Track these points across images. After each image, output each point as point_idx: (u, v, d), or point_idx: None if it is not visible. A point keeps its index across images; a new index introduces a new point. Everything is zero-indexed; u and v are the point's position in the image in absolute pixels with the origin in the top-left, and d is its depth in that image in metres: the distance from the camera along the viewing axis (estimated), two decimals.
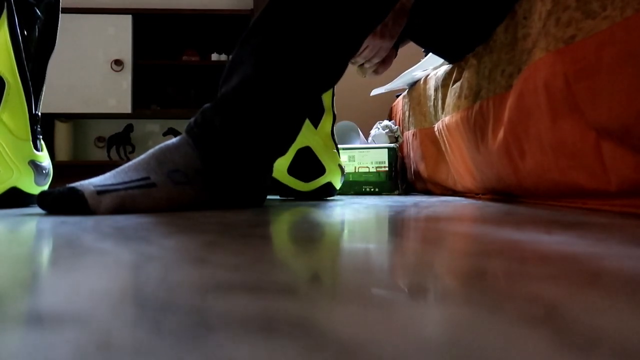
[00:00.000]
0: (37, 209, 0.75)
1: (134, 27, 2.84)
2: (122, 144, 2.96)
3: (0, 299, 0.20)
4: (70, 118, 2.89)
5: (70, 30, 2.72)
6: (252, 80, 0.76)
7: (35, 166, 0.85)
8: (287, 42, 0.76)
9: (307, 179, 1.12)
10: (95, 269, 0.26)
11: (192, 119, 0.78)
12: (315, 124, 1.13)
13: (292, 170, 1.11)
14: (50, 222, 0.53)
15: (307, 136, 1.11)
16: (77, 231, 0.44)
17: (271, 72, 0.76)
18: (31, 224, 0.51)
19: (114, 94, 2.79)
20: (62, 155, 2.85)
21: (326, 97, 1.16)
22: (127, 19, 2.83)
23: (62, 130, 2.87)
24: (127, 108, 2.79)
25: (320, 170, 1.13)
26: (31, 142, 0.85)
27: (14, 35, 0.82)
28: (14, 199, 0.82)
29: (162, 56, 3.01)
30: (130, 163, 0.71)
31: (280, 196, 1.15)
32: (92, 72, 2.78)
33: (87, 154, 3.02)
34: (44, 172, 0.87)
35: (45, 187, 0.88)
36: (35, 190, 0.85)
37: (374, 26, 0.81)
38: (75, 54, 2.76)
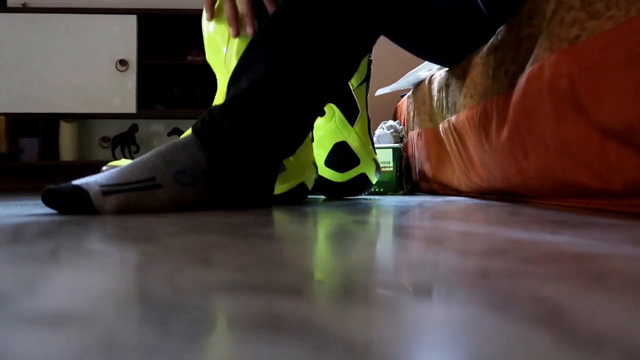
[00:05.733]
0: (41, 209, 0.75)
1: (139, 27, 2.84)
2: (126, 144, 2.96)
3: (4, 298, 0.20)
4: (75, 118, 2.90)
5: (75, 30, 2.73)
6: (262, 83, 0.76)
7: None
8: (298, 45, 0.76)
9: (341, 169, 1.14)
10: (99, 268, 0.26)
11: (199, 119, 0.78)
12: (352, 122, 1.15)
13: (328, 162, 1.14)
14: (54, 222, 0.53)
15: (343, 132, 1.14)
16: (81, 231, 0.44)
17: (282, 75, 0.76)
18: (36, 224, 0.51)
19: (119, 94, 2.79)
20: (67, 155, 2.85)
21: (360, 99, 1.18)
22: (132, 19, 2.83)
23: (67, 130, 2.87)
24: (131, 108, 2.79)
25: (355, 161, 1.15)
26: None
27: None
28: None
29: (167, 56, 3.01)
30: (136, 161, 0.71)
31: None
32: (97, 72, 2.78)
33: (92, 154, 3.02)
34: None
35: None
36: None
37: (386, 28, 0.81)
38: (80, 54, 2.76)
